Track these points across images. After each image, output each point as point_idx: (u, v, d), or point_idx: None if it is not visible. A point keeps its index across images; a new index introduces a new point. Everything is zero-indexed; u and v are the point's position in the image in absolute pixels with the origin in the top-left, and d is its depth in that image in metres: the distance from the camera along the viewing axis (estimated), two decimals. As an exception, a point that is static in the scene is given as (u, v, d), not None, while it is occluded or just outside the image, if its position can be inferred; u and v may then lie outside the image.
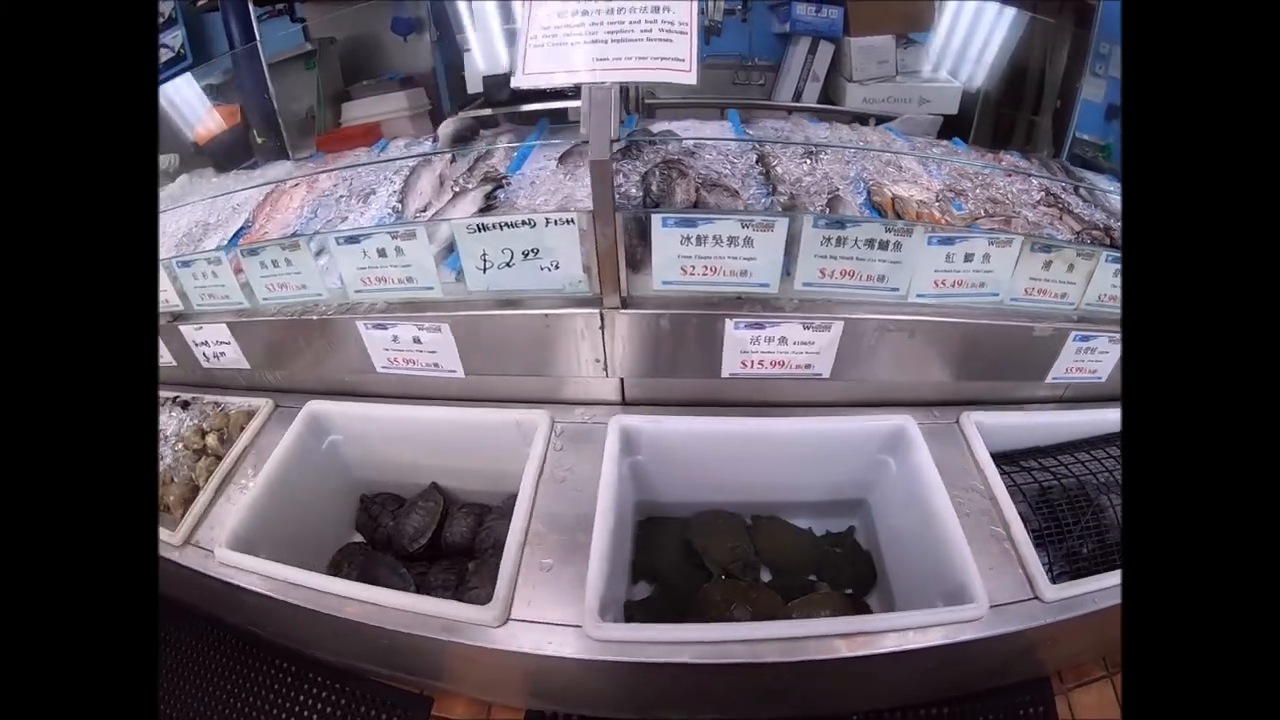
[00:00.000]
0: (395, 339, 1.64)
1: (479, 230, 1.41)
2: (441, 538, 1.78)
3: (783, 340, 1.48)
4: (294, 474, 1.67)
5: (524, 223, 1.38)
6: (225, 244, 1.93)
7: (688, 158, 1.79)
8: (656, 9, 1.16)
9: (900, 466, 1.62)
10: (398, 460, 1.86)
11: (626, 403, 1.72)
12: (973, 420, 1.61)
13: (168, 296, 1.81)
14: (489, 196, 1.73)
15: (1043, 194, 1.83)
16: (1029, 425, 1.66)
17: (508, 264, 1.45)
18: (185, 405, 1.95)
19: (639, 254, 1.49)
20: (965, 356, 1.58)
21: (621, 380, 1.67)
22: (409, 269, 1.51)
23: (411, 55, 2.96)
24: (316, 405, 1.78)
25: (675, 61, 1.13)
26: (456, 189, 1.83)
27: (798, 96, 2.90)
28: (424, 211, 1.79)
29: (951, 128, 2.04)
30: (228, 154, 2.46)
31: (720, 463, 1.68)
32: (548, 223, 1.38)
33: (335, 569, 1.74)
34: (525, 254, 1.42)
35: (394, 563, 1.70)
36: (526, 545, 1.43)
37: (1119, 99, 1.70)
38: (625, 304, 1.48)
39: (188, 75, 2.54)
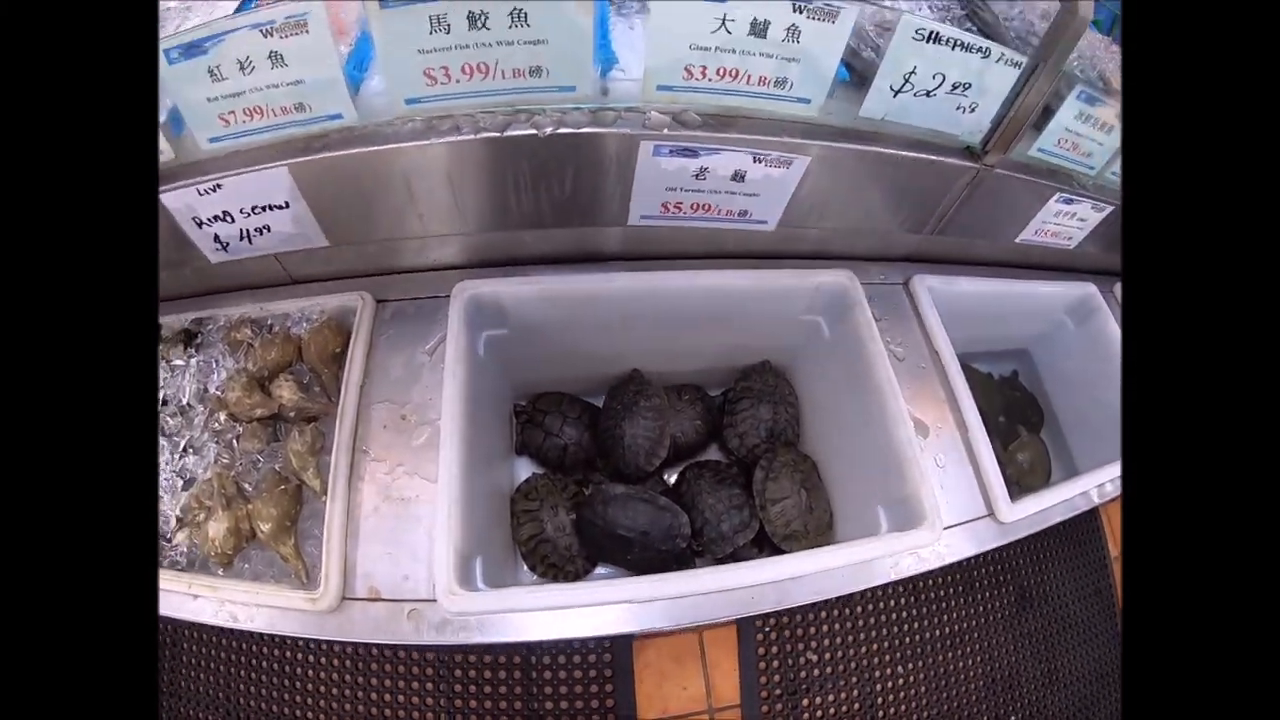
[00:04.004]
0: (702, 171, 0.90)
1: (928, 40, 0.84)
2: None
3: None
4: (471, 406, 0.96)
5: (979, 50, 0.86)
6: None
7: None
8: None
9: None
10: (588, 350, 1.21)
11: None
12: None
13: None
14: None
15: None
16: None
17: (928, 93, 0.89)
18: (190, 338, 1.05)
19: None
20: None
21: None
22: (794, 63, 0.81)
23: None
24: (475, 287, 1.01)
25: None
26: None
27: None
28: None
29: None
30: None
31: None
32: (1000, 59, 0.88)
33: (535, 523, 1.13)
34: (955, 86, 0.90)
35: (647, 494, 1.14)
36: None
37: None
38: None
39: None
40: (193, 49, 0.75)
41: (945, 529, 0.96)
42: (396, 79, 0.77)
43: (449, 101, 0.79)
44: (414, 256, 1.07)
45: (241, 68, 0.76)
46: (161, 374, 1.03)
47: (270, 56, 0.75)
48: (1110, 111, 1.03)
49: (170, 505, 0.95)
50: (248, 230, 0.95)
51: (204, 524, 0.92)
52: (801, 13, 0.75)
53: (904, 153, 0.95)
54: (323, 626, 0.85)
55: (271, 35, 0.73)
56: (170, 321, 1.08)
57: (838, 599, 1.61)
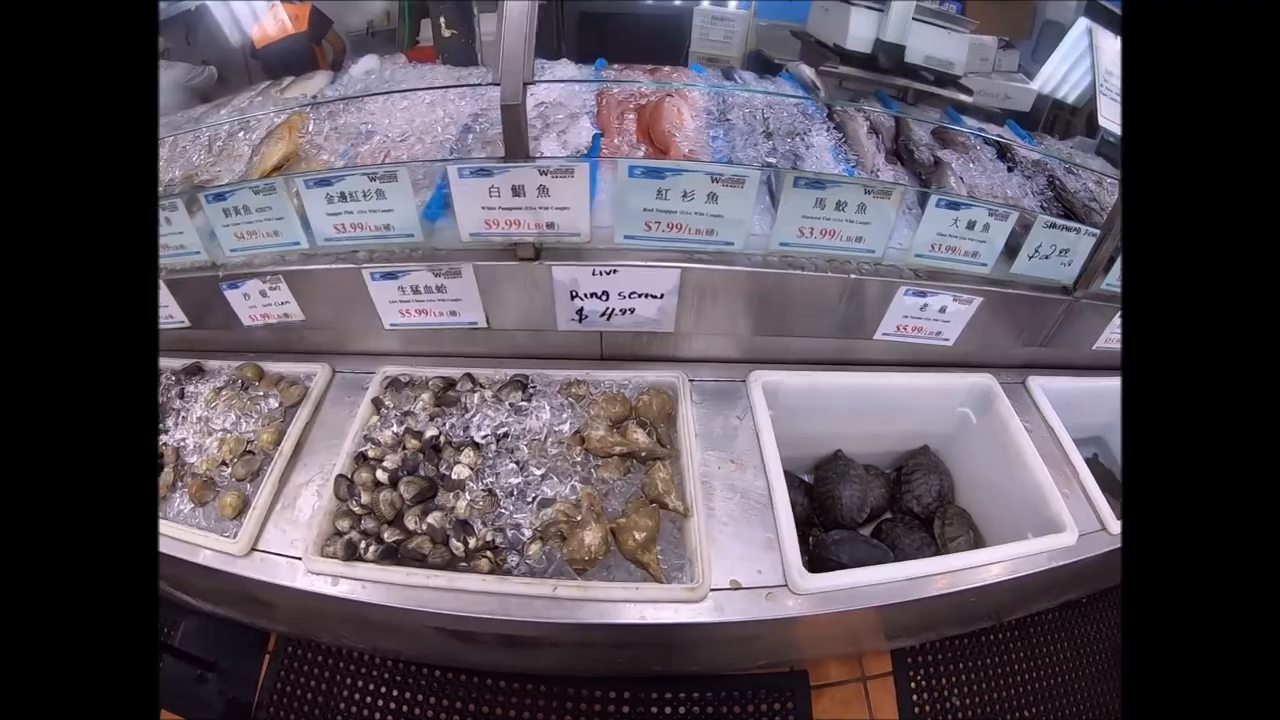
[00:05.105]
0: (924, 306, 1.40)
1: (1051, 228, 1.35)
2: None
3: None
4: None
5: (1074, 229, 1.37)
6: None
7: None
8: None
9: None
10: (808, 432, 1.60)
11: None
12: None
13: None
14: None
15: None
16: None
17: (1046, 257, 1.41)
18: (522, 387, 1.38)
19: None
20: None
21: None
22: (983, 243, 1.35)
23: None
24: (765, 376, 1.46)
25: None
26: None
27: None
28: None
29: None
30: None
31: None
32: (1084, 233, 1.38)
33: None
34: (1061, 251, 1.41)
35: (863, 537, 1.54)
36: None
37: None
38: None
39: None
40: (652, 172, 1.13)
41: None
42: (782, 230, 1.25)
43: (804, 249, 1.29)
44: (703, 348, 1.52)
45: (685, 196, 1.16)
46: (504, 414, 1.33)
47: (709, 195, 1.17)
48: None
49: (525, 521, 1.19)
50: (613, 309, 1.32)
51: (576, 533, 1.16)
52: (992, 215, 1.31)
53: (1028, 292, 1.48)
54: (698, 612, 1.14)
55: (719, 182, 1.16)
56: (490, 373, 1.43)
57: (976, 643, 1.91)
